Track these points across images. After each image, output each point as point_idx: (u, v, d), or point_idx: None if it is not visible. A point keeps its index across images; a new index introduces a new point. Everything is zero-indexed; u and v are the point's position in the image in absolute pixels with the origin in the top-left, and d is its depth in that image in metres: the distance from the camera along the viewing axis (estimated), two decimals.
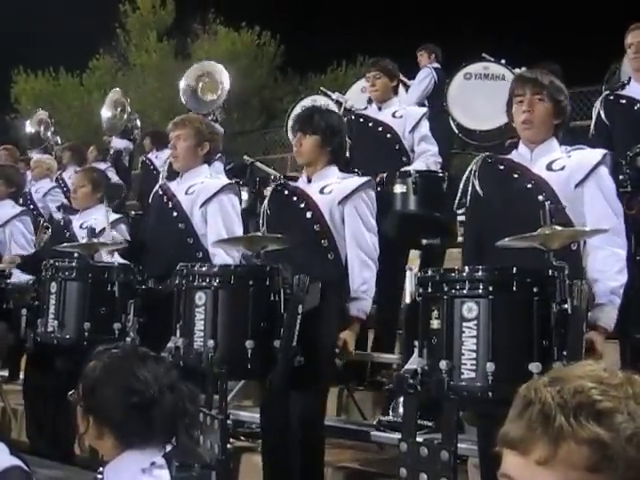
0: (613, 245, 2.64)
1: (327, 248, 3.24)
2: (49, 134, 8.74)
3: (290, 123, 6.66)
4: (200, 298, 2.94)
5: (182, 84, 7.07)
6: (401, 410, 3.37)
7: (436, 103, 6.55)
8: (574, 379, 0.93)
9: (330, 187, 3.31)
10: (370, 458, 3.73)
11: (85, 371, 1.84)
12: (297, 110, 6.82)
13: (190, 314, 2.97)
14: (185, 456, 1.77)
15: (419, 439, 2.40)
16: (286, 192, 3.43)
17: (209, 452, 2.80)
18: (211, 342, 2.88)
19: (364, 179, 3.38)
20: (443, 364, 2.30)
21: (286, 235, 3.05)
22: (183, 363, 2.90)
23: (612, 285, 2.61)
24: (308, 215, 3.26)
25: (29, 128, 8.91)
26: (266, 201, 3.57)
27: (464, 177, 2.94)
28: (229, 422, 2.84)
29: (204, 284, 2.96)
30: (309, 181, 3.39)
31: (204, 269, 3.04)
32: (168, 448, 1.77)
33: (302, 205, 3.30)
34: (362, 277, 3.23)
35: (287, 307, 2.92)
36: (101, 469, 1.82)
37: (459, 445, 2.36)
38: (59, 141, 8.93)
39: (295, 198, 3.35)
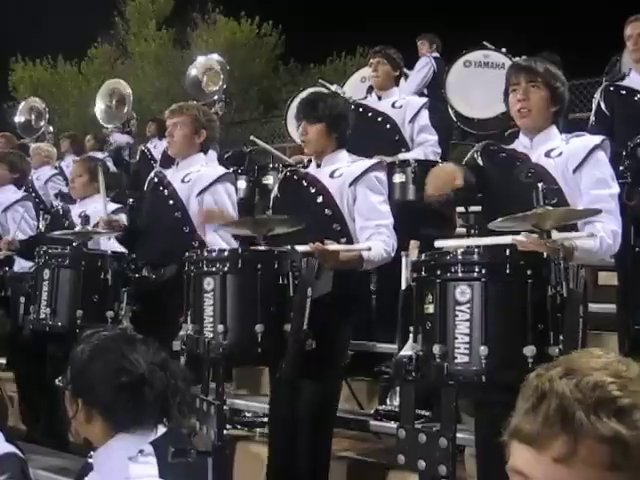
0: (607, 223, 2.57)
1: (339, 232, 3.19)
2: (42, 123, 8.63)
3: (294, 112, 6.64)
4: (209, 284, 2.91)
5: (190, 72, 7.11)
6: (398, 399, 3.35)
7: (435, 93, 6.51)
8: (590, 371, 0.89)
9: (340, 171, 3.27)
10: (368, 447, 3.73)
11: (72, 354, 1.81)
12: (295, 102, 6.80)
13: (199, 300, 2.94)
14: (180, 442, 1.75)
15: (417, 426, 2.37)
16: (296, 177, 3.40)
17: (205, 439, 2.79)
18: (221, 327, 2.85)
19: (374, 160, 3.34)
20: (436, 348, 2.27)
21: (294, 218, 3.00)
22: (193, 350, 2.87)
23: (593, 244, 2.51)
24: (319, 200, 3.23)
25: (19, 116, 8.76)
26: (276, 187, 3.53)
27: (466, 158, 2.91)
28: (225, 408, 2.82)
29: (213, 269, 2.93)
30: (318, 166, 3.36)
31: (213, 254, 3.02)
32: (160, 432, 1.74)
33: (313, 190, 3.26)
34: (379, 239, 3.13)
35: (297, 290, 2.88)
36: (92, 453, 1.80)
37: (457, 435, 2.34)
38: (51, 130, 8.85)
39: (305, 183, 3.32)
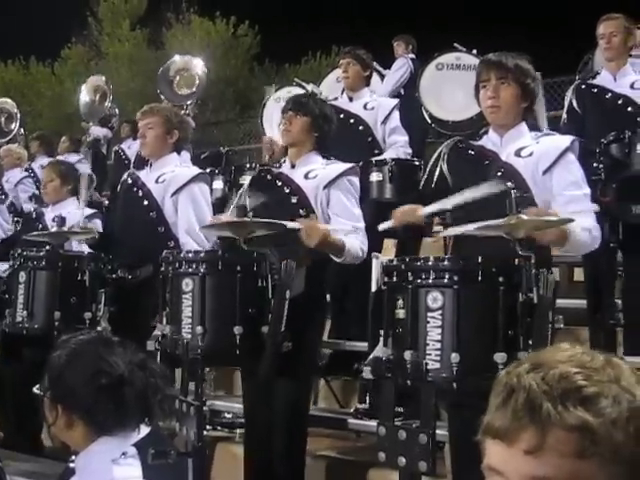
0: (588, 219, 2.58)
1: None
2: (13, 125, 8.51)
3: (269, 111, 6.65)
4: (187, 285, 2.91)
5: (160, 72, 7.05)
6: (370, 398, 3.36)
7: (411, 93, 6.54)
8: (556, 364, 0.91)
9: (315, 172, 3.28)
10: (348, 446, 3.73)
11: (50, 360, 1.80)
12: (271, 101, 6.80)
13: (177, 301, 2.93)
14: (160, 443, 1.74)
15: (397, 423, 2.39)
16: (269, 177, 3.40)
17: (185, 440, 2.78)
18: (199, 328, 2.85)
19: (349, 165, 3.36)
20: (407, 354, 2.28)
21: (276, 223, 2.99)
22: (170, 351, 2.87)
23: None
24: (293, 200, 3.23)
25: None
26: (245, 186, 3.52)
27: (432, 158, 2.92)
28: (205, 409, 2.81)
29: (190, 270, 2.93)
30: (293, 167, 3.36)
31: (191, 255, 3.02)
32: (141, 434, 1.73)
33: (287, 190, 3.27)
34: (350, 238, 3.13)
35: (275, 293, 2.89)
36: (73, 457, 1.78)
37: (436, 431, 2.34)
38: (22, 132, 8.73)
39: (280, 183, 3.32)
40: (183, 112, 5.89)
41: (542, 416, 0.87)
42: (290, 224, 2.94)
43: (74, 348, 1.78)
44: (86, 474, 1.71)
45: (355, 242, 3.13)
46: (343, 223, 3.18)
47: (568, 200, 2.61)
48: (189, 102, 6.81)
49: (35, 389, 1.82)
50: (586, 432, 0.86)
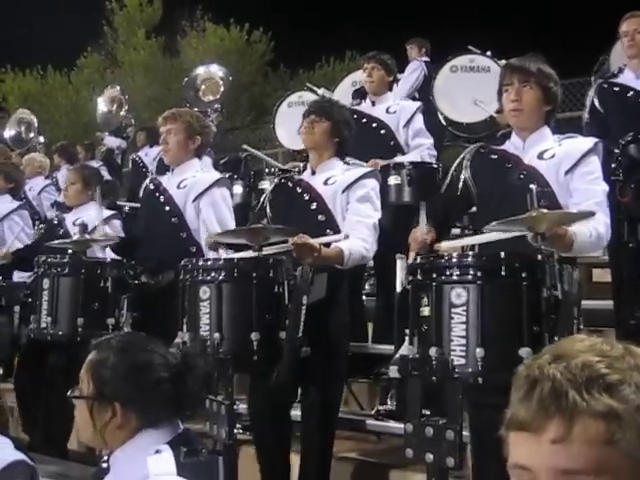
0: (601, 215, 2.58)
1: None
2: (31, 134, 8.62)
3: (281, 117, 6.69)
4: (205, 292, 2.95)
5: (186, 82, 7.14)
6: (395, 398, 3.37)
7: (426, 96, 6.56)
8: (577, 354, 0.92)
9: (334, 178, 3.30)
10: (369, 448, 3.74)
11: (94, 362, 1.78)
12: (284, 106, 6.84)
13: (195, 308, 2.97)
14: (192, 442, 1.77)
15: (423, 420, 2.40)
16: (290, 184, 3.42)
17: (214, 439, 2.81)
18: (217, 335, 2.88)
19: (368, 168, 3.39)
20: (433, 351, 2.29)
21: (289, 226, 3.02)
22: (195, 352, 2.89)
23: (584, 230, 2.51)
24: (313, 207, 3.25)
25: (9, 130, 8.69)
26: (268, 192, 3.54)
27: (455, 164, 2.94)
28: (235, 408, 2.85)
29: (208, 278, 2.97)
30: (313, 173, 3.39)
31: (208, 263, 3.05)
32: (179, 431, 1.75)
33: (306, 197, 3.29)
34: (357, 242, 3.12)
35: (291, 298, 2.92)
36: (105, 457, 1.80)
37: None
38: (42, 140, 8.84)
39: (299, 190, 3.34)
40: (208, 119, 5.94)
41: (569, 404, 0.89)
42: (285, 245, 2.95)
43: (120, 347, 1.78)
44: (122, 470, 1.73)
45: (356, 244, 3.09)
46: (345, 225, 3.15)
47: (586, 193, 2.63)
48: (213, 108, 6.87)
49: (69, 393, 1.81)
50: (613, 418, 0.88)
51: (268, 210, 3.46)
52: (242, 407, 3.79)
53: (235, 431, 2.95)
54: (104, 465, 1.79)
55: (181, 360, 1.76)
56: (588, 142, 2.75)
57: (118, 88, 8.64)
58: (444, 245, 2.69)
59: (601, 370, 0.90)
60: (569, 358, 0.92)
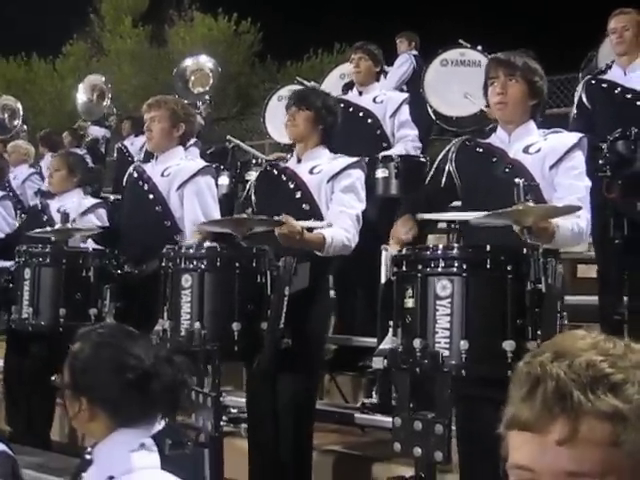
0: (583, 211, 2.57)
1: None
2: (16, 122, 8.50)
3: (272, 110, 6.66)
4: (187, 280, 2.93)
5: (176, 73, 7.09)
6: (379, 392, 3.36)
7: (414, 89, 6.55)
8: (580, 352, 0.90)
9: (320, 167, 3.28)
10: (354, 441, 3.73)
11: (72, 352, 1.78)
12: (274, 100, 6.82)
13: (177, 297, 2.95)
14: (177, 434, 1.74)
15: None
16: (275, 172, 3.39)
17: (201, 431, 2.80)
18: (197, 324, 2.86)
19: (354, 159, 3.35)
20: (417, 342, 2.29)
21: (273, 214, 2.99)
22: (170, 345, 2.86)
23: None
24: (297, 195, 3.23)
25: None
26: (252, 181, 3.52)
27: (440, 156, 2.93)
28: (221, 399, 2.83)
29: (191, 266, 2.94)
30: (299, 161, 3.36)
31: (191, 251, 3.02)
32: (159, 427, 1.73)
33: (291, 185, 3.27)
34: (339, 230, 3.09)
35: (274, 289, 2.90)
36: (89, 449, 1.77)
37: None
38: (25, 128, 8.72)
39: (284, 178, 3.32)
40: (196, 111, 5.90)
41: (574, 405, 0.87)
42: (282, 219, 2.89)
43: (98, 341, 1.77)
44: (105, 463, 1.70)
45: (338, 232, 3.08)
46: (329, 215, 3.13)
47: (569, 188, 2.63)
48: (203, 100, 6.83)
49: (54, 379, 1.81)
50: (618, 419, 0.86)
51: (253, 197, 3.43)
52: (226, 399, 3.78)
53: (222, 423, 2.93)
54: (87, 457, 1.76)
55: (152, 363, 1.72)
56: (573, 137, 2.77)
57: (100, 77, 8.54)
58: (425, 216, 2.69)
59: (605, 369, 0.88)
60: (572, 356, 0.90)
